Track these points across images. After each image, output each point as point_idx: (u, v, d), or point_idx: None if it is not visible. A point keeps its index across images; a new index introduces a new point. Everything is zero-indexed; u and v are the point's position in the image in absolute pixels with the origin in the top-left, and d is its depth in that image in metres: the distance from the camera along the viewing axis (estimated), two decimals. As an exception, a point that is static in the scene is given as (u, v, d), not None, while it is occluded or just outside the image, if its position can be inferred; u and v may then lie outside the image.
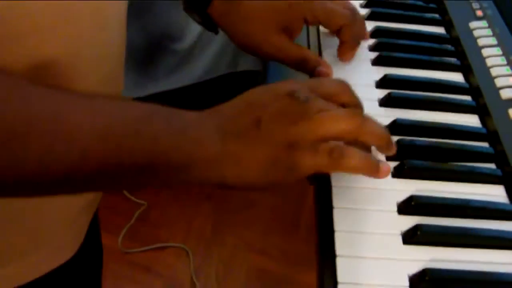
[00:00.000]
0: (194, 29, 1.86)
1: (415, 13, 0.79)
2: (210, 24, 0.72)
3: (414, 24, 0.78)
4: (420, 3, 0.82)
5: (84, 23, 0.52)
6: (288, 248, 1.79)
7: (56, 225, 0.63)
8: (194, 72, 1.91)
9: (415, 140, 0.58)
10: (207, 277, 1.72)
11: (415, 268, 0.46)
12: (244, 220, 1.87)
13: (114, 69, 0.61)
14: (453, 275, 0.46)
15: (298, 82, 0.54)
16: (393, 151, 0.52)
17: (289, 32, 0.68)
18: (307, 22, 0.68)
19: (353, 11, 0.69)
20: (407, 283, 0.46)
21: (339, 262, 0.47)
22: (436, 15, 0.80)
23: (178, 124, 0.48)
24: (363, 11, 0.79)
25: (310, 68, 0.66)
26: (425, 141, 0.58)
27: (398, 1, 0.82)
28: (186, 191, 1.93)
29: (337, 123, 0.49)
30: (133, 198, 1.90)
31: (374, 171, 0.49)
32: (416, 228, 0.49)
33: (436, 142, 0.58)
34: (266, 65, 2.10)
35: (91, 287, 0.80)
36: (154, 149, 0.46)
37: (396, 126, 0.60)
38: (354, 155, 0.49)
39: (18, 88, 0.42)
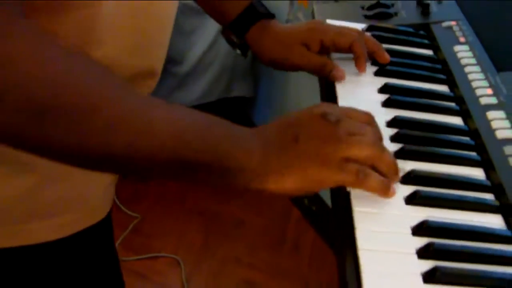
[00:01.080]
0: (193, 54, 2.01)
1: (408, 37, 0.94)
2: (244, 47, 0.87)
3: (406, 46, 0.92)
4: (411, 29, 0.97)
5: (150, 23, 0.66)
6: (274, 262, 1.91)
7: (95, 188, 0.75)
8: (192, 94, 2.04)
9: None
10: (198, 286, 1.83)
11: (415, 221, 0.59)
12: (234, 236, 1.98)
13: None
14: (444, 225, 0.59)
15: (331, 105, 0.66)
16: (397, 179, 0.63)
17: (310, 45, 0.82)
18: (323, 43, 0.83)
19: (359, 31, 0.84)
20: (409, 231, 0.59)
21: (356, 214, 0.59)
22: (426, 40, 0.94)
23: (234, 136, 0.59)
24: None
25: (328, 72, 0.80)
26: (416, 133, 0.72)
27: (393, 27, 0.96)
28: (179, 206, 2.05)
29: (362, 149, 0.60)
30: (127, 211, 2.00)
31: (386, 193, 0.60)
32: (416, 193, 0.62)
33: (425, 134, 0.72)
34: (256, 92, 2.24)
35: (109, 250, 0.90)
36: (214, 153, 0.57)
37: (396, 121, 0.73)
38: (375, 178, 0.60)
39: (121, 89, 0.55)
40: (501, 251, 0.58)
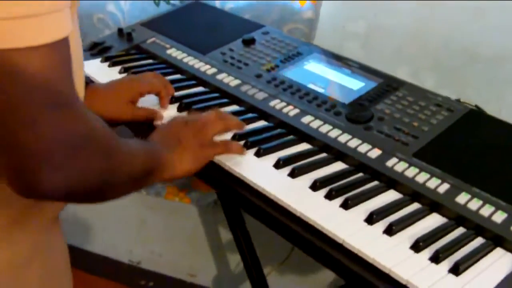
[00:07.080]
0: None
1: (135, 56, 1.38)
2: None
3: (137, 61, 1.35)
4: (134, 51, 1.40)
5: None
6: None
7: None
8: None
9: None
10: None
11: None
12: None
13: None
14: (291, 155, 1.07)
15: (184, 115, 1.07)
16: (245, 126, 1.05)
17: (133, 99, 1.14)
18: (141, 94, 1.14)
19: (164, 81, 1.19)
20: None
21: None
22: (144, 55, 1.38)
23: (158, 150, 0.91)
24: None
25: (155, 117, 1.14)
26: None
27: (123, 53, 1.38)
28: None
29: (215, 125, 0.98)
30: None
31: (242, 152, 1.01)
32: (279, 160, 1.00)
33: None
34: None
35: None
36: (156, 165, 0.88)
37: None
38: (235, 144, 1.01)
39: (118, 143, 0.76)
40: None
